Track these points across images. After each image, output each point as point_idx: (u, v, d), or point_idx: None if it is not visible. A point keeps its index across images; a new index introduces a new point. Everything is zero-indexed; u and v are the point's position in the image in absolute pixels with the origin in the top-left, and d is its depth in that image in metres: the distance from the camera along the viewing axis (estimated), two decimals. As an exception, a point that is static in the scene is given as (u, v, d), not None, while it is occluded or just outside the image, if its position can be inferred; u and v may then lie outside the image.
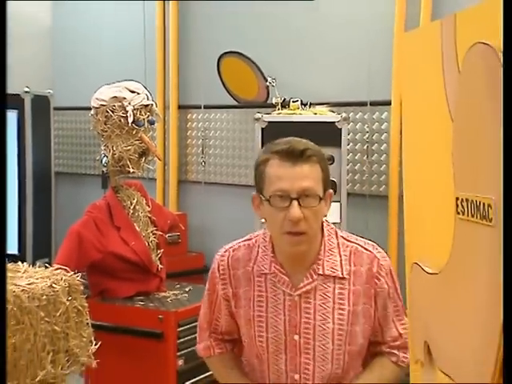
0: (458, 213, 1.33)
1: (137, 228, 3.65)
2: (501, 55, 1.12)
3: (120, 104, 3.52)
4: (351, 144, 4.20)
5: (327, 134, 3.67)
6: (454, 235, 1.38)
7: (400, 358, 2.11)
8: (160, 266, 3.72)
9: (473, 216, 1.27)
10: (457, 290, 1.39)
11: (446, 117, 1.39)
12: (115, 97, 3.53)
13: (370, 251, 2.10)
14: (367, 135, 4.22)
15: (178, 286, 3.88)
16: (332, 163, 3.76)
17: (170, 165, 5.19)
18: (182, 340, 3.39)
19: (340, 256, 2.07)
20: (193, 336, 3.28)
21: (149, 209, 3.75)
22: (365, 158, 4.24)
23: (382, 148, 4.19)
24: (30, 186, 5.37)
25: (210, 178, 4.99)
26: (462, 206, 1.32)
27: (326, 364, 2.05)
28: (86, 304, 2.45)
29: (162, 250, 3.76)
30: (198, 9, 5.10)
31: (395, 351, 2.12)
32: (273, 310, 2.07)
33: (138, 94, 3.58)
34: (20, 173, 5.39)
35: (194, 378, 3.46)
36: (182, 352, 3.39)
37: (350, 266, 2.06)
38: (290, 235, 1.95)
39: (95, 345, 2.43)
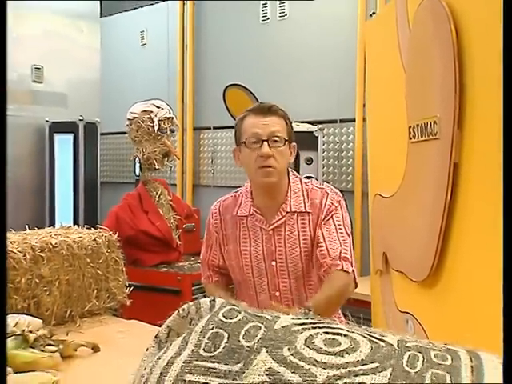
0: (410, 138, 1.26)
1: (161, 212, 3.60)
2: (444, 4, 1.07)
3: (148, 116, 3.49)
4: (325, 152, 4.16)
5: (307, 140, 3.64)
6: (406, 160, 1.31)
7: (344, 266, 1.88)
8: (179, 242, 3.67)
9: (422, 136, 1.20)
10: (408, 202, 1.31)
11: (400, 72, 1.33)
12: (145, 110, 3.50)
13: (322, 189, 2.03)
14: (337, 145, 4.18)
15: (193, 258, 3.81)
16: (311, 163, 3.71)
17: (187, 173, 5.19)
18: (195, 296, 3.32)
19: (303, 196, 2.01)
20: (204, 294, 3.23)
21: (170, 198, 3.70)
22: (336, 162, 4.19)
23: (349, 155, 4.15)
24: (82, 192, 5.31)
25: (217, 182, 5.00)
26: (413, 131, 1.25)
27: (299, 280, 1.98)
28: (122, 256, 2.41)
29: (180, 230, 3.71)
30: (207, 55, 5.08)
31: (338, 261, 1.89)
32: (254, 244, 2.02)
33: (162, 108, 3.54)
34: (75, 182, 5.33)
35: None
36: (196, 305, 3.31)
37: (309, 201, 1.99)
38: (262, 169, 1.91)
39: (128, 288, 2.41)
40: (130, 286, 2.44)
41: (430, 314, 1.17)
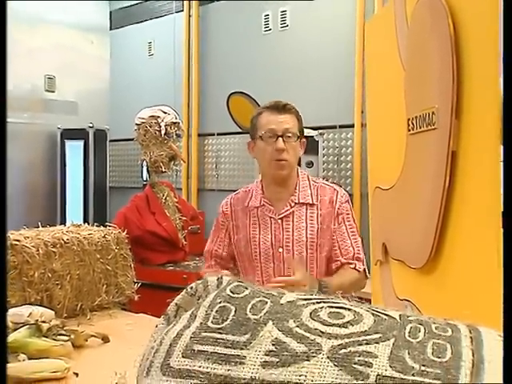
0: (409, 130, 1.25)
1: (167, 213, 3.60)
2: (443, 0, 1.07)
3: (155, 121, 3.50)
4: (325, 156, 4.15)
5: (308, 145, 3.61)
6: (405, 152, 1.30)
7: (357, 265, 2.02)
8: (184, 242, 3.66)
9: (420, 127, 1.19)
10: (407, 191, 1.30)
11: (400, 70, 1.32)
12: (152, 115, 3.51)
13: (331, 187, 2.11)
14: (337, 150, 4.17)
15: (198, 258, 3.79)
16: (312, 166, 3.70)
17: (192, 177, 5.17)
18: (200, 293, 3.28)
19: (310, 190, 2.07)
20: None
21: (176, 200, 3.70)
22: (335, 166, 4.18)
23: (348, 159, 4.14)
24: (91, 196, 5.30)
25: (221, 186, 4.98)
26: (412, 124, 1.24)
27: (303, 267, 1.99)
28: (130, 253, 2.41)
29: (185, 231, 3.70)
30: (212, 65, 5.10)
31: (351, 260, 2.02)
32: (263, 232, 2.06)
33: (169, 114, 3.55)
34: (85, 187, 5.32)
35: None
36: (201, 302, 3.29)
37: (318, 196, 2.06)
38: (276, 162, 2.00)
39: (136, 284, 2.40)
40: (137, 282, 2.43)
41: (429, 299, 1.17)
